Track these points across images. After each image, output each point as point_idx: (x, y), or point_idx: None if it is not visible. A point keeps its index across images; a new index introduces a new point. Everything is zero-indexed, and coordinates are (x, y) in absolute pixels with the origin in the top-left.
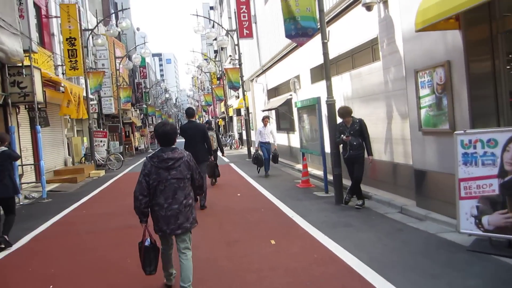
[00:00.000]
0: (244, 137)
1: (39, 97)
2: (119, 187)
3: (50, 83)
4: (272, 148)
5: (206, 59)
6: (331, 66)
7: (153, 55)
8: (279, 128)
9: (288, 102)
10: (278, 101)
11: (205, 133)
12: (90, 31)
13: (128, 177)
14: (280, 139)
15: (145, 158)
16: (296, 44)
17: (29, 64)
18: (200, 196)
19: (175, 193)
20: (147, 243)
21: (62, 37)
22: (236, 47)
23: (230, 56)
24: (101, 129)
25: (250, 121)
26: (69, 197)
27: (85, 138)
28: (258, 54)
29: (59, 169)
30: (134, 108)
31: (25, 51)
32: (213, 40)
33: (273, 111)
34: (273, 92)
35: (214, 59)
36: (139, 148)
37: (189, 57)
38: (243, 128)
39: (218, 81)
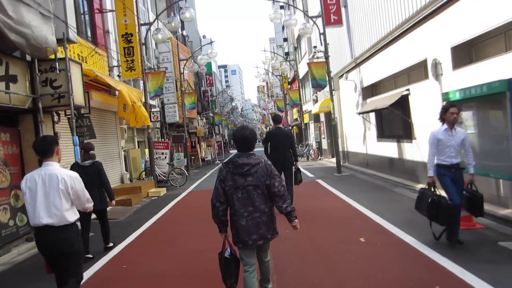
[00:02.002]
0: (324, 147)
1: (78, 99)
2: (180, 214)
3: (103, 87)
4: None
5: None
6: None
7: (219, 66)
8: (381, 136)
9: (402, 100)
10: (382, 100)
11: (292, 139)
12: (148, 25)
13: (193, 198)
14: (386, 150)
15: (220, 164)
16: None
17: (64, 56)
18: (282, 210)
19: (254, 200)
20: (227, 253)
21: (118, 33)
22: (321, 36)
23: (314, 47)
24: (163, 140)
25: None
26: (114, 231)
27: (146, 150)
28: (349, 45)
29: (114, 187)
30: (200, 117)
31: (59, 40)
32: (291, 28)
33: (371, 114)
34: (369, 91)
35: (287, 59)
36: (205, 159)
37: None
38: (322, 136)
39: (289, 86)
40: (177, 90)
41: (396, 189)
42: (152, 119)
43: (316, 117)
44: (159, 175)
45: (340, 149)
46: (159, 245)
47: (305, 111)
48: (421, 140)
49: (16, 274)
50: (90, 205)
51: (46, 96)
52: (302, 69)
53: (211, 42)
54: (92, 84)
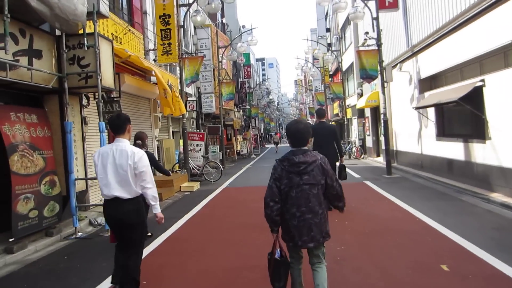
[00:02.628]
0: (368, 144)
1: (107, 80)
2: (213, 216)
3: (137, 70)
4: None
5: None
6: None
7: (256, 59)
8: (442, 134)
9: (473, 93)
10: (447, 93)
11: (336, 134)
12: (188, 6)
13: (227, 196)
14: (447, 150)
15: (275, 162)
16: None
17: (93, 31)
18: (340, 210)
19: (309, 201)
20: (277, 255)
21: (155, 14)
22: (374, 21)
23: (366, 33)
24: (198, 131)
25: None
26: None
27: (180, 141)
28: (404, 31)
29: None
30: (237, 109)
31: (89, 14)
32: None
33: (429, 110)
34: (428, 83)
35: (330, 50)
36: (241, 152)
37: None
38: (366, 133)
39: (330, 79)
40: (214, 80)
41: (464, 198)
42: (188, 109)
43: (360, 112)
44: (193, 168)
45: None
46: (185, 258)
47: (347, 105)
48: (498, 141)
49: (24, 279)
50: (150, 190)
51: (72, 75)
52: (346, 61)
53: (251, 29)
54: (124, 66)
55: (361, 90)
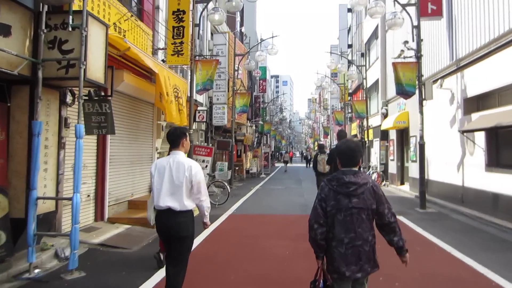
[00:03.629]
0: (391, 170)
1: (95, 72)
2: (215, 257)
3: (140, 69)
4: None
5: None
6: None
7: (271, 76)
8: (495, 164)
9: None
10: (507, 115)
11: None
12: (205, 3)
13: (234, 227)
14: (501, 184)
15: (323, 182)
16: None
17: (81, 9)
18: (393, 244)
19: (358, 226)
20: (321, 285)
21: (168, 9)
22: (414, 30)
23: (405, 42)
24: (206, 144)
25: (416, 148)
26: (115, 273)
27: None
28: (448, 43)
29: (137, 200)
30: (249, 123)
31: None
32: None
33: (476, 134)
34: (474, 103)
35: (353, 65)
36: (250, 171)
37: (305, 81)
38: (390, 158)
39: (349, 97)
40: (228, 91)
41: None
42: (197, 119)
43: (383, 134)
44: None
45: (417, 176)
46: None
47: (370, 126)
48: None
49: None
50: (205, 202)
51: (50, 62)
52: (371, 77)
53: (272, 37)
54: (126, 63)
55: (386, 110)
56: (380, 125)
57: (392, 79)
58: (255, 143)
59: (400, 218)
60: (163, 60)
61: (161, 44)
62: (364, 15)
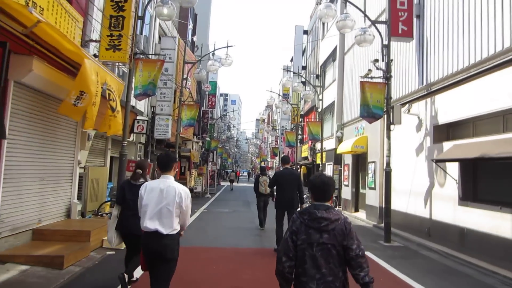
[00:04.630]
0: (345, 196)
1: None
2: None
3: (59, 60)
4: None
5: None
6: None
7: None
8: (471, 198)
9: None
10: (488, 145)
11: (299, 180)
12: None
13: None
14: (470, 219)
15: (294, 214)
16: None
17: None
18: (359, 279)
19: (329, 262)
20: None
21: None
22: (384, 49)
23: (375, 60)
24: (149, 160)
25: (375, 175)
26: None
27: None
28: (418, 66)
29: (47, 228)
30: (196, 139)
31: None
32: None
33: (450, 165)
34: (444, 131)
35: (311, 85)
36: (194, 190)
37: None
38: (344, 183)
39: (301, 119)
40: (175, 101)
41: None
42: (136, 130)
43: (336, 158)
44: None
45: (377, 204)
46: None
47: (319, 150)
48: None
49: None
50: (187, 223)
51: None
52: (326, 99)
53: (227, 46)
54: (37, 48)
55: (342, 134)
56: (335, 149)
57: (349, 102)
58: (200, 160)
59: (368, 253)
60: (95, 55)
61: (95, 36)
62: (321, 37)
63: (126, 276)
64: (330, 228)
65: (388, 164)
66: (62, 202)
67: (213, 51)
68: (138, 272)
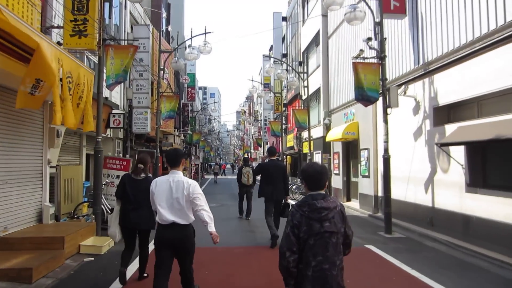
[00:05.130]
0: (336, 185)
1: None
2: None
3: (17, 49)
4: None
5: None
6: None
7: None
8: (480, 185)
9: None
10: (502, 126)
11: (285, 172)
12: None
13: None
14: (479, 207)
15: (292, 207)
16: None
17: None
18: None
19: (327, 250)
20: None
21: None
22: (376, 28)
23: (368, 39)
24: (122, 156)
25: (369, 162)
26: None
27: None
28: (413, 45)
29: (12, 235)
30: (178, 132)
31: None
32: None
33: (455, 149)
34: (444, 113)
35: (296, 71)
36: None
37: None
38: (335, 172)
39: (284, 108)
40: (152, 94)
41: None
42: (112, 125)
43: (325, 146)
44: (107, 211)
45: (372, 193)
46: None
47: (305, 138)
48: None
49: None
50: (205, 210)
51: None
52: (311, 86)
53: (205, 33)
54: None
55: (329, 121)
56: (324, 137)
57: (336, 87)
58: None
59: (371, 247)
60: (59, 43)
61: (58, 22)
62: (301, 23)
63: (125, 270)
64: (330, 216)
65: (386, 150)
66: (31, 206)
67: (191, 38)
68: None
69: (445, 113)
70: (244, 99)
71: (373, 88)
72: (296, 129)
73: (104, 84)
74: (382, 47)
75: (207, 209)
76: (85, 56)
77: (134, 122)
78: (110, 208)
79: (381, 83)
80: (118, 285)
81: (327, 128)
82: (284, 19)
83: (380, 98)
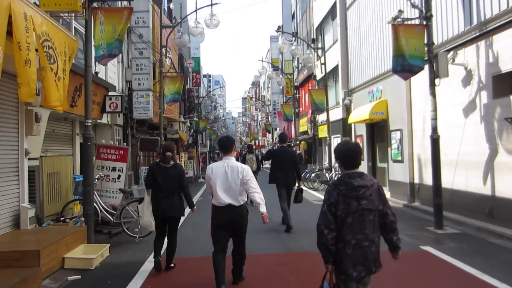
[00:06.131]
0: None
1: None
2: None
3: None
4: None
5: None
6: None
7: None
8: None
9: None
10: None
11: (296, 158)
12: None
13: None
14: None
15: (328, 186)
16: None
17: None
18: (392, 243)
19: (365, 227)
20: (326, 287)
21: None
22: None
23: (400, 12)
24: (117, 145)
25: (402, 145)
26: None
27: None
28: (463, 2)
29: None
30: (183, 119)
31: None
32: None
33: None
34: (508, 82)
35: (312, 47)
36: (186, 175)
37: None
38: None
39: (295, 91)
40: (154, 77)
41: None
42: (109, 109)
43: (345, 129)
44: (101, 211)
45: (407, 180)
46: None
47: (321, 121)
48: None
49: None
50: (257, 193)
51: None
52: (328, 64)
53: (211, 4)
54: None
55: (350, 101)
56: (344, 119)
57: (357, 63)
58: (189, 142)
59: (429, 249)
60: (36, 3)
61: None
62: None
63: (160, 259)
64: (367, 194)
65: (435, 129)
66: (4, 208)
67: (195, 10)
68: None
69: (508, 82)
70: (250, 85)
71: (417, 55)
72: (309, 112)
73: (95, 53)
74: (428, 4)
75: (259, 191)
76: (73, 27)
77: (134, 107)
78: (105, 207)
79: (426, 49)
80: None
81: (347, 109)
82: None
83: (426, 67)
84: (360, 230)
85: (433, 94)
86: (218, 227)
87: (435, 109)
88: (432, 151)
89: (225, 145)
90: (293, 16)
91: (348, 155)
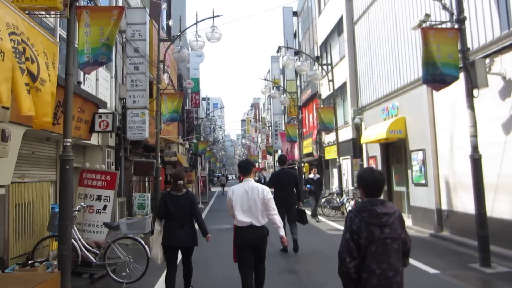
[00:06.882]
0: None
1: None
2: None
3: None
4: None
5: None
6: None
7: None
8: None
9: None
10: None
11: (297, 179)
12: None
13: None
14: None
15: (349, 212)
16: None
17: None
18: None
19: (389, 256)
20: None
21: None
22: None
23: (427, 15)
24: (103, 169)
25: (425, 167)
26: None
27: (80, 188)
28: (497, 3)
29: None
30: (182, 140)
31: None
32: None
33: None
34: None
35: (319, 63)
36: None
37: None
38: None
39: (299, 111)
40: (151, 96)
41: None
42: (98, 128)
43: (356, 150)
44: (81, 249)
45: (433, 206)
46: None
47: (328, 142)
48: None
49: None
50: (276, 215)
51: None
52: (336, 81)
53: (213, 17)
54: None
55: (360, 120)
56: (354, 139)
57: (368, 79)
58: (190, 165)
59: None
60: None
61: None
62: (317, 14)
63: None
64: (390, 221)
65: (475, 148)
66: None
67: (196, 23)
68: None
69: None
70: (249, 107)
71: (450, 62)
72: (314, 133)
73: (78, 59)
74: (461, 5)
75: (277, 214)
76: (58, 33)
77: (128, 126)
78: (86, 246)
79: (461, 56)
80: None
81: (357, 128)
82: (295, 14)
83: (461, 76)
84: (384, 259)
85: (471, 107)
86: (240, 248)
87: (474, 125)
88: (473, 174)
89: (245, 168)
90: (294, 35)
91: (373, 184)
